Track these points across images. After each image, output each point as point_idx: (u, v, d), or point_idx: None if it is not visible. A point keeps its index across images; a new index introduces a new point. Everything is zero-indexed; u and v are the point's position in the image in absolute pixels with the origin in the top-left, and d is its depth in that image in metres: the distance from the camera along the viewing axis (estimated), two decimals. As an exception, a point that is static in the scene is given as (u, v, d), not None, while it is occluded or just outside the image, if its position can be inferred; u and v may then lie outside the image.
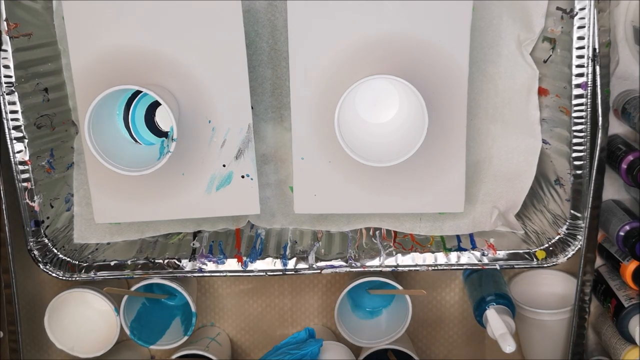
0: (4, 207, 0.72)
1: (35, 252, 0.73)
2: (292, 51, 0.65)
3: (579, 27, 0.65)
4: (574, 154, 0.68)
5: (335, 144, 0.63)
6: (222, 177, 0.69)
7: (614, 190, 0.77)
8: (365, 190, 0.69)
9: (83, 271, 0.74)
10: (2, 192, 0.72)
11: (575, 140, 0.67)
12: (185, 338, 0.80)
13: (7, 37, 0.67)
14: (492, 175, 0.73)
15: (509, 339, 0.68)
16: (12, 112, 0.69)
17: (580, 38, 0.65)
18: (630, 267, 0.72)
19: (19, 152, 0.70)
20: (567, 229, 0.71)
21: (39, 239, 0.73)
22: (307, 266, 0.73)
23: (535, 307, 0.78)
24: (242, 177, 0.69)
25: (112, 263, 0.73)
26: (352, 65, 0.65)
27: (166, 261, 0.73)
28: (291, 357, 0.56)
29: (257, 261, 0.73)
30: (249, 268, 0.73)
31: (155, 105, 0.69)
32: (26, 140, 0.70)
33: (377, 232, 0.75)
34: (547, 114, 0.71)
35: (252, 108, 0.68)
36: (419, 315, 0.86)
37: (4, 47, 0.67)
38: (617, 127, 0.75)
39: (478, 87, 0.71)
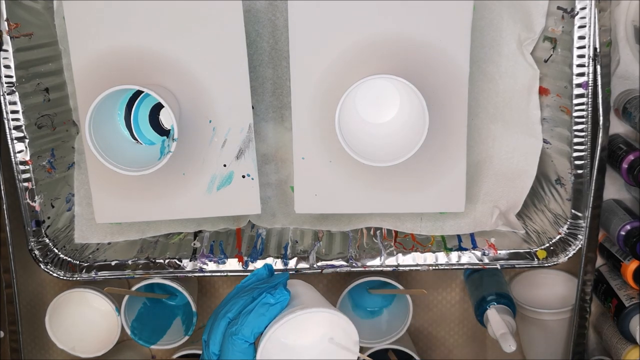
0: (4, 207, 0.72)
1: (36, 252, 0.73)
2: (293, 51, 0.65)
3: (580, 27, 0.65)
4: (575, 154, 0.68)
5: (336, 143, 0.63)
6: (223, 177, 0.69)
7: (614, 189, 0.77)
8: (366, 190, 0.69)
9: (84, 271, 0.74)
10: (3, 192, 0.72)
11: (576, 140, 0.67)
12: (186, 338, 0.80)
13: (8, 37, 0.67)
14: (492, 175, 0.73)
15: (509, 339, 0.68)
16: (13, 112, 0.69)
17: (581, 37, 0.65)
18: (631, 266, 0.72)
19: (19, 152, 0.70)
20: (567, 229, 0.71)
21: (40, 239, 0.73)
22: (307, 266, 0.73)
23: (536, 306, 0.78)
24: (243, 176, 0.69)
25: (113, 263, 0.73)
26: (352, 65, 0.65)
27: (167, 261, 0.73)
28: (260, 290, 0.56)
29: (258, 261, 0.73)
30: (249, 268, 0.73)
31: (159, 105, 0.69)
32: (27, 140, 0.70)
33: (378, 232, 0.75)
34: (547, 114, 0.71)
35: (252, 108, 0.68)
36: (420, 315, 0.86)
37: (4, 47, 0.67)
38: (618, 127, 0.75)
39: (479, 86, 0.71)
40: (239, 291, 0.59)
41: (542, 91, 0.71)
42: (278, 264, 0.73)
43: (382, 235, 0.74)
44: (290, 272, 0.73)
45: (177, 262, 0.73)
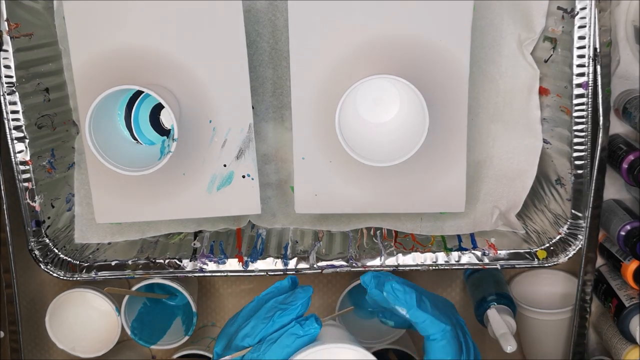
0: (4, 207, 0.72)
1: (36, 252, 0.73)
2: (293, 51, 0.65)
3: (580, 27, 0.65)
4: (575, 154, 0.68)
5: (336, 143, 0.63)
6: (223, 177, 0.69)
7: (614, 189, 0.77)
8: (366, 190, 0.69)
9: (84, 271, 0.74)
10: (3, 192, 0.72)
11: (576, 140, 0.67)
12: (186, 338, 0.80)
13: (8, 37, 0.67)
14: (493, 175, 0.73)
15: (510, 339, 0.68)
16: (13, 112, 0.69)
17: (581, 38, 0.65)
18: (631, 266, 0.72)
19: (20, 152, 0.70)
20: (568, 229, 0.71)
21: (40, 239, 0.73)
22: (308, 266, 0.73)
23: (536, 306, 0.78)
24: (243, 177, 0.69)
25: (113, 263, 0.73)
26: (352, 65, 0.65)
27: (167, 261, 0.73)
28: (281, 312, 0.53)
29: (258, 261, 0.73)
30: (249, 268, 0.73)
31: (159, 105, 0.69)
32: (27, 140, 0.70)
33: (378, 232, 0.75)
34: (548, 114, 0.71)
35: (252, 108, 0.68)
36: (420, 315, 0.86)
37: (4, 47, 0.67)
38: (618, 127, 0.75)
39: (479, 86, 0.71)
40: (258, 304, 0.56)
41: (542, 91, 0.71)
42: (278, 264, 0.73)
43: (382, 235, 0.74)
44: (290, 272, 0.73)
45: (177, 262, 0.73)
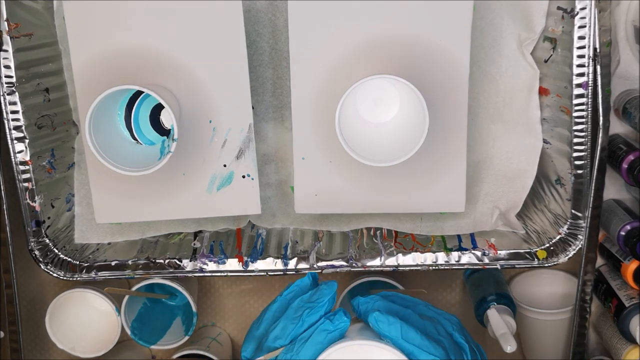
0: (4, 207, 0.72)
1: (36, 252, 0.73)
2: (293, 51, 0.65)
3: (580, 27, 0.65)
4: (575, 154, 0.68)
5: (336, 143, 0.63)
6: (223, 177, 0.69)
7: (614, 189, 0.77)
8: (366, 190, 0.69)
9: (84, 271, 0.74)
10: (3, 192, 0.72)
11: (576, 140, 0.67)
12: (186, 338, 0.80)
13: (8, 37, 0.67)
14: (493, 175, 0.73)
15: (509, 339, 0.68)
16: (13, 112, 0.69)
17: (581, 38, 0.65)
18: (631, 266, 0.72)
19: (19, 152, 0.70)
20: (568, 229, 0.71)
21: (40, 239, 0.73)
22: (308, 266, 0.73)
23: (536, 306, 0.78)
24: (243, 177, 0.69)
25: (113, 263, 0.73)
26: (352, 65, 0.65)
27: (167, 261, 0.73)
28: (310, 310, 0.52)
29: (258, 261, 0.73)
30: (249, 268, 0.73)
31: (160, 105, 0.69)
32: (27, 141, 0.70)
33: (378, 232, 0.75)
34: (547, 114, 0.71)
35: (252, 108, 0.68)
36: (420, 315, 0.86)
37: (4, 47, 0.67)
38: (618, 127, 0.75)
39: (479, 86, 0.71)
40: (282, 305, 0.56)
41: (542, 91, 0.71)
42: (278, 264, 0.73)
43: (382, 236, 0.74)
44: (290, 272, 0.73)
45: (177, 262, 0.73)
